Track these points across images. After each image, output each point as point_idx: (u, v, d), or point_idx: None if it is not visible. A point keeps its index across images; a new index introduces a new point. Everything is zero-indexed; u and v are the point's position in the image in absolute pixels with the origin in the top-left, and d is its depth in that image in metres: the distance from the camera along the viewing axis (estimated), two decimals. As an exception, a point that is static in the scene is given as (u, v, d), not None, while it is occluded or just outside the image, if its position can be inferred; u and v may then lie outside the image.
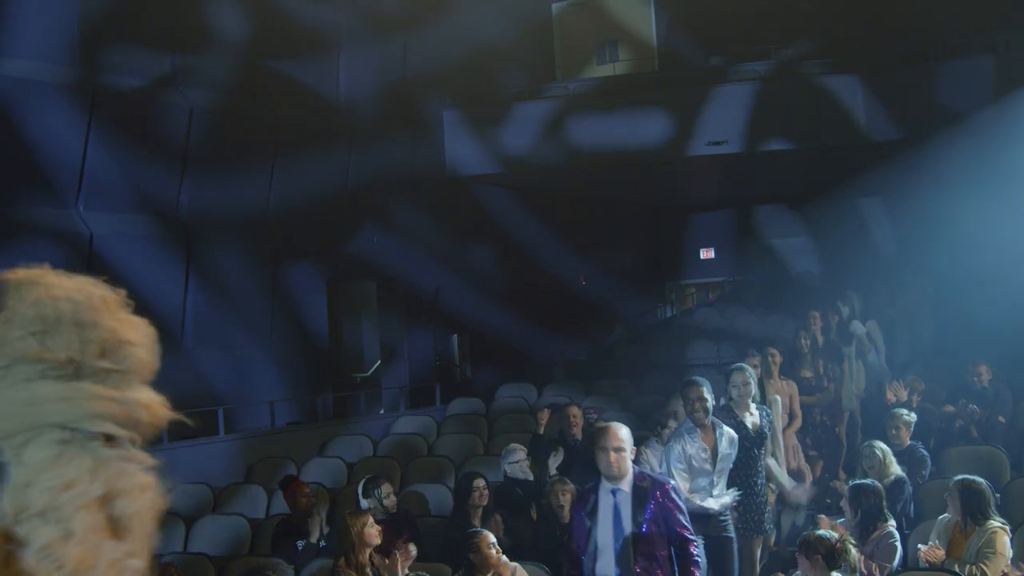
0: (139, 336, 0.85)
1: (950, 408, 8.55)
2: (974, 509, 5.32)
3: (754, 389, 6.32)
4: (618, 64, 15.82)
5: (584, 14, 16.27)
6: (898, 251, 14.85)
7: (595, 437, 4.82)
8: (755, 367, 7.34)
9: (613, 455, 4.63)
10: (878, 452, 6.29)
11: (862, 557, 5.25)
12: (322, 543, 6.48)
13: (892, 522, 5.64)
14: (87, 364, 0.79)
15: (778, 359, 7.86)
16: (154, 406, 0.86)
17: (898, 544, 5.53)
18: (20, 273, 0.83)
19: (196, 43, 10.70)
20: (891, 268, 13.56)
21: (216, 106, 10.86)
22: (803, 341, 9.19)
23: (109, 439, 0.79)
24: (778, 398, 7.12)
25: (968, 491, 5.34)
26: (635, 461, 5.26)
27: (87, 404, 0.78)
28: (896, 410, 7.37)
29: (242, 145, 11.19)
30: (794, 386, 8.04)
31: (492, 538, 5.43)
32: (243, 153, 11.23)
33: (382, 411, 12.81)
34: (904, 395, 8.52)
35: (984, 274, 11.92)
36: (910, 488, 6.42)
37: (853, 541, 5.05)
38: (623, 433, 4.70)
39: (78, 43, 9.51)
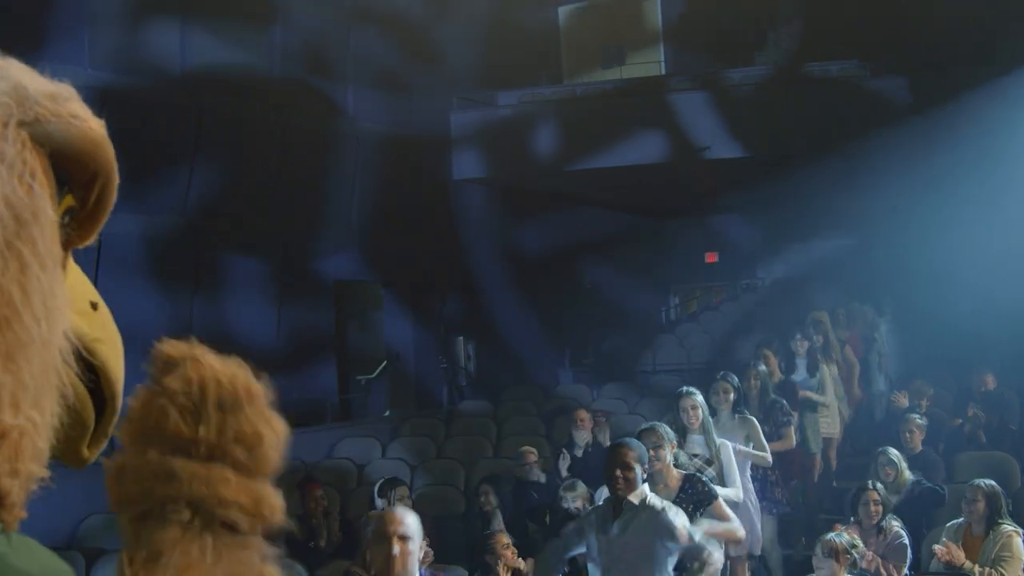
0: (274, 433, 0.87)
1: (959, 421, 8.54)
2: (993, 513, 5.37)
3: (660, 461, 5.02)
4: (624, 68, 15.84)
5: (590, 18, 16.30)
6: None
7: (376, 523, 3.57)
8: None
9: (397, 545, 3.35)
10: (893, 459, 6.31)
11: (878, 559, 5.29)
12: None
13: (898, 522, 5.69)
14: (223, 449, 0.80)
15: (731, 395, 6.56)
16: (276, 505, 0.88)
17: (907, 543, 5.58)
18: (173, 348, 0.84)
19: (208, 45, 10.72)
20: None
21: (224, 108, 10.87)
22: (753, 381, 7.44)
23: (229, 529, 0.79)
24: (728, 444, 5.90)
25: (995, 496, 5.41)
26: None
27: (219, 487, 0.79)
28: (909, 414, 7.41)
29: (251, 147, 11.21)
30: (752, 423, 6.58)
31: (508, 539, 5.47)
32: (251, 155, 11.24)
33: (387, 412, 12.82)
34: (905, 402, 8.55)
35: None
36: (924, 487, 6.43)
37: (859, 542, 5.11)
38: (411, 519, 3.49)
39: (88, 43, 9.54)
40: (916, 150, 12.33)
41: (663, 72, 15.68)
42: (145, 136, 10.07)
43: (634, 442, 4.69)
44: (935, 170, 12.56)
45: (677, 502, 4.82)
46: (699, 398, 5.88)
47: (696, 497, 4.96)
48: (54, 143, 0.83)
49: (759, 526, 6.49)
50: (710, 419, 5.94)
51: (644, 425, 5.34)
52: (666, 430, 5.18)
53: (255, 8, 11.30)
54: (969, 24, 12.86)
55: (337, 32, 12.55)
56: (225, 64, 10.98)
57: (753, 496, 6.47)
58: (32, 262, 0.78)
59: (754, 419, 6.68)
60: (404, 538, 3.38)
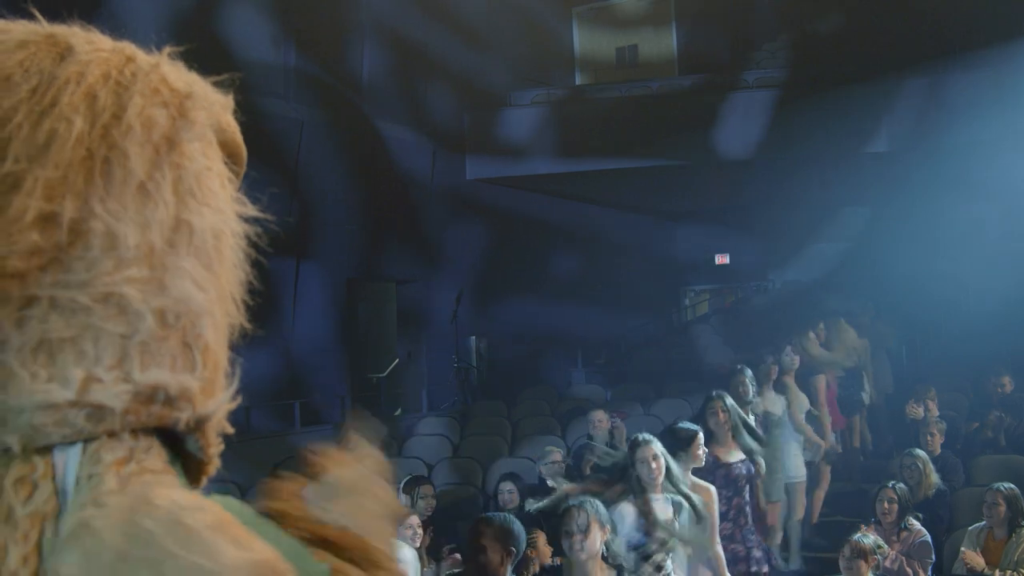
0: None
1: (976, 425, 8.54)
2: (1016, 516, 5.40)
3: (585, 552, 4.12)
4: (637, 69, 15.87)
5: (604, 18, 16.31)
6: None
7: None
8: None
9: None
10: (919, 462, 6.31)
11: (903, 558, 5.32)
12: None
13: (917, 523, 5.72)
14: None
15: (699, 452, 5.30)
16: None
17: (931, 542, 5.61)
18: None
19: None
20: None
21: (238, 104, 10.86)
22: (721, 415, 5.98)
23: None
24: (712, 489, 5.14)
25: (1016, 499, 5.43)
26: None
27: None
28: (929, 417, 7.42)
29: (267, 146, 11.22)
30: (711, 492, 5.20)
31: (544, 536, 5.54)
32: (269, 154, 11.25)
33: (398, 411, 12.83)
34: (920, 412, 8.53)
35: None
36: (949, 497, 6.45)
37: (882, 543, 5.15)
38: None
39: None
40: (928, 151, 12.33)
41: (676, 73, 15.70)
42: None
43: (509, 523, 3.74)
44: (946, 172, 12.57)
45: None
46: (658, 446, 4.91)
47: None
48: (226, 149, 0.87)
49: None
50: (674, 468, 4.91)
51: (572, 500, 4.34)
52: (599, 510, 4.13)
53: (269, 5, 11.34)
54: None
55: (352, 29, 12.57)
56: (242, 59, 11.01)
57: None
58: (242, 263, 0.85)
59: (707, 487, 5.23)
60: None
